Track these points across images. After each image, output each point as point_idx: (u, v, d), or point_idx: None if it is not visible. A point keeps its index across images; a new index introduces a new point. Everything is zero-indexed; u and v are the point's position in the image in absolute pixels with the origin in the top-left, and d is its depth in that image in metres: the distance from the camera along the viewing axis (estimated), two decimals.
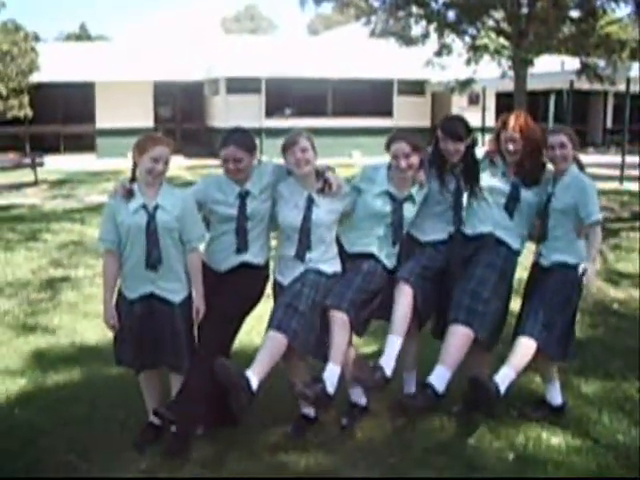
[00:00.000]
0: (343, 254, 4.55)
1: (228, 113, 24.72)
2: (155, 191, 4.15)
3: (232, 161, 4.25)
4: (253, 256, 4.40)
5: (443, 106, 26.99)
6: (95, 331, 6.32)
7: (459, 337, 4.36)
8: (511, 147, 4.50)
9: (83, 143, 26.39)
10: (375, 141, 25.62)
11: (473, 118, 21.10)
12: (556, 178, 4.56)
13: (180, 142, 26.60)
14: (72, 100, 25.95)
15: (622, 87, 20.84)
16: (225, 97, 25.55)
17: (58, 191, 17.09)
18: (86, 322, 6.72)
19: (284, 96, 25.67)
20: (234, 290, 4.35)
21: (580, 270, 4.38)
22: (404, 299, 4.45)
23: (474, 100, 26.10)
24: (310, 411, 4.50)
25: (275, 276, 4.51)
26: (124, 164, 22.65)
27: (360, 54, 25.61)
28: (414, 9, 18.26)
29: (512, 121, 4.51)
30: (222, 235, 4.39)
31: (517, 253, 4.65)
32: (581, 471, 4.06)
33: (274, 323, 4.17)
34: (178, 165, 21.49)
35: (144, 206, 4.10)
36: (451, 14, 18.38)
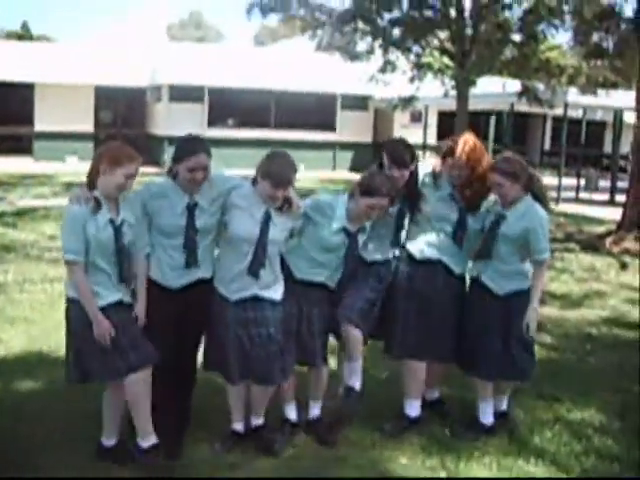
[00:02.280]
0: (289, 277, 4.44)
1: (170, 121, 24.44)
2: (116, 203, 3.94)
3: (202, 170, 4.04)
4: (206, 271, 4.23)
5: (385, 122, 27.22)
6: (20, 339, 6.12)
7: None
8: (456, 173, 4.49)
9: (20, 145, 25.76)
10: (318, 155, 25.71)
11: (415, 135, 21.51)
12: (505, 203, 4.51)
13: None
14: (10, 101, 25.32)
15: (560, 111, 21.34)
16: (167, 104, 25.28)
17: None
18: (12, 329, 6.49)
19: (227, 106, 25.53)
20: (201, 313, 4.24)
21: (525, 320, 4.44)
22: (354, 340, 4.46)
23: (416, 117, 26.38)
24: (239, 426, 4.43)
25: (215, 285, 4.27)
26: (61, 168, 22.34)
27: (305, 67, 25.68)
28: (360, 24, 18.39)
29: (460, 147, 4.44)
30: (168, 249, 4.15)
31: (462, 277, 4.72)
32: None
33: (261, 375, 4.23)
34: None
35: (111, 221, 3.88)
36: (396, 31, 18.56)
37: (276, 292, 4.27)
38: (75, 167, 22.86)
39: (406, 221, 4.62)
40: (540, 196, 4.54)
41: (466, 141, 4.47)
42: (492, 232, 4.49)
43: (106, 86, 25.87)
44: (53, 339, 6.09)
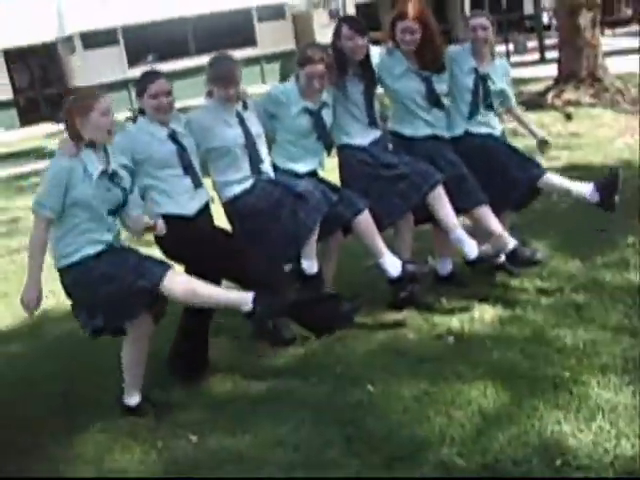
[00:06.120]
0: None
1: (88, 70, 23.78)
2: (105, 152, 3.82)
3: (165, 95, 4.07)
4: (206, 194, 4.31)
5: (305, 26, 26.78)
6: (2, 311, 6.10)
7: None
8: (409, 38, 4.53)
9: None
10: (244, 72, 24.95)
11: None
12: (480, 59, 4.77)
13: (45, 109, 25.55)
14: None
15: None
16: (82, 54, 24.53)
17: None
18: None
19: (144, 42, 24.83)
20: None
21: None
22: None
23: (334, 15, 25.96)
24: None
25: (231, 194, 4.39)
26: None
27: None
28: None
29: (410, 10, 4.48)
30: (170, 180, 4.13)
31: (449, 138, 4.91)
32: (518, 338, 4.24)
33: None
34: (45, 133, 20.57)
35: (104, 172, 3.76)
36: None
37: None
38: (1, 137, 22.29)
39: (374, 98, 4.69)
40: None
41: (414, 3, 4.53)
42: (482, 92, 4.78)
43: (15, 48, 24.96)
44: None
